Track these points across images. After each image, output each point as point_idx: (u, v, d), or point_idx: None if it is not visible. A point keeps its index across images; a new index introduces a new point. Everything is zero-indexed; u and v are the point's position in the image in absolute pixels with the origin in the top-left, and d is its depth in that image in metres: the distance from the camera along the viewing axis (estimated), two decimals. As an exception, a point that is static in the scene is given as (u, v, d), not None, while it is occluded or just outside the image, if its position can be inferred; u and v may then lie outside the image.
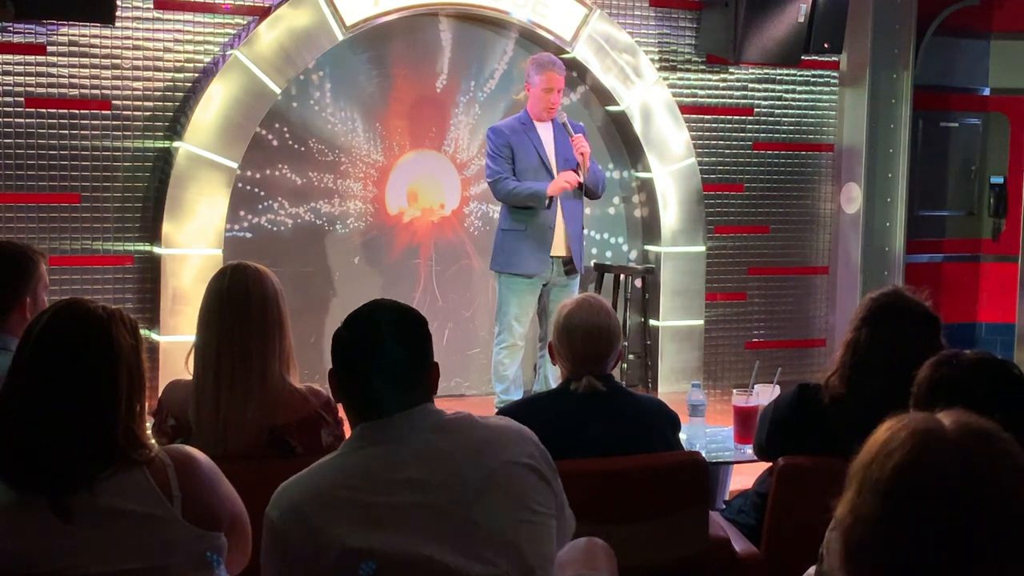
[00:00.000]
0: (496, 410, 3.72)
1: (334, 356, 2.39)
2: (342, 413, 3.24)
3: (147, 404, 2.37)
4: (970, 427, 1.47)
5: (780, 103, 8.12)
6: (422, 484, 2.23)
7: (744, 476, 4.55)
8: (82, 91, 6.52)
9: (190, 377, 3.20)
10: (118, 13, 6.38)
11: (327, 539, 2.19)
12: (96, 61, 6.53)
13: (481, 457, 2.27)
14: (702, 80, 7.91)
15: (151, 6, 6.62)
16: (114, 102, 6.59)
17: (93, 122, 6.56)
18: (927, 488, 1.42)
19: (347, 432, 3.15)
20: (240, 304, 3.14)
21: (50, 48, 6.44)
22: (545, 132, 6.30)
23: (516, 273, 6.27)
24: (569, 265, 6.32)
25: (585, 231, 6.66)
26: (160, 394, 3.32)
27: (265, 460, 3.09)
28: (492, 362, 6.49)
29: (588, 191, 6.30)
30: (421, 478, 2.23)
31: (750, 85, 8.02)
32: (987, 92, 8.73)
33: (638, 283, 7.63)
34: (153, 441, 2.40)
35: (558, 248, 6.26)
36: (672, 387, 7.36)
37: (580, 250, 6.37)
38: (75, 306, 2.33)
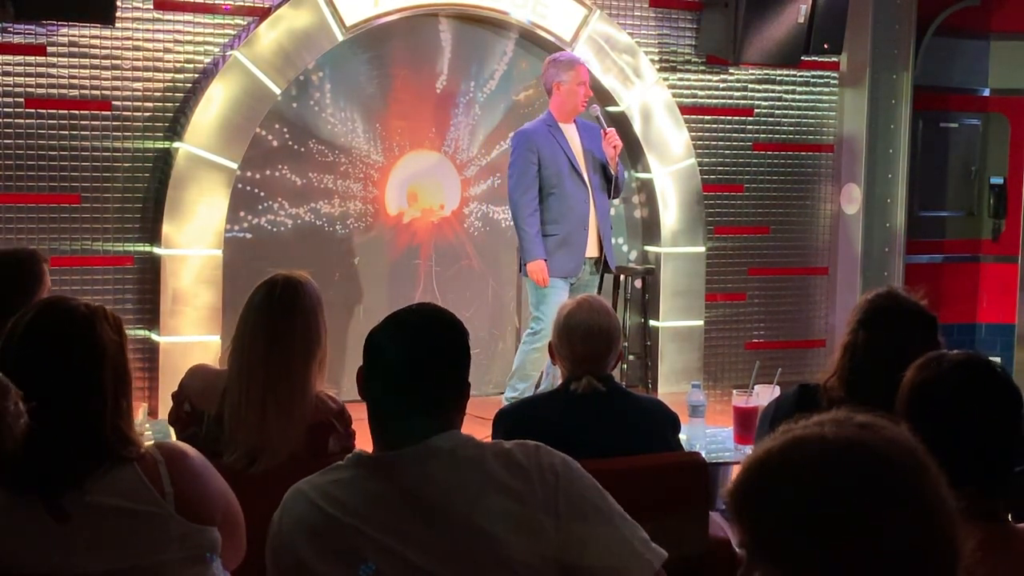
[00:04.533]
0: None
1: (363, 354, 2.30)
2: (355, 424, 3.25)
3: (142, 403, 2.37)
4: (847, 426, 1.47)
5: (780, 104, 8.12)
6: (413, 538, 2.14)
7: (744, 477, 4.54)
8: (82, 92, 6.52)
9: (215, 366, 3.19)
10: (118, 14, 6.38)
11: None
12: (96, 62, 6.53)
13: (474, 514, 2.15)
14: (702, 81, 7.91)
15: (151, 6, 6.62)
16: (114, 103, 6.59)
17: (93, 123, 6.55)
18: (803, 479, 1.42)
19: (358, 438, 3.16)
20: (286, 325, 3.12)
21: (50, 49, 6.44)
22: (570, 132, 6.29)
23: (553, 275, 6.19)
24: (598, 264, 6.35)
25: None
26: (183, 377, 3.30)
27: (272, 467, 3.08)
28: (517, 361, 6.41)
29: (615, 188, 6.34)
30: (412, 531, 2.15)
31: (750, 86, 8.02)
32: (987, 92, 8.73)
33: (638, 283, 7.62)
34: (149, 442, 2.39)
35: (592, 249, 6.29)
36: (672, 388, 7.35)
37: (611, 248, 6.40)
38: (57, 305, 2.32)
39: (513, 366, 6.46)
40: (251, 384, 3.10)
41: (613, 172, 6.23)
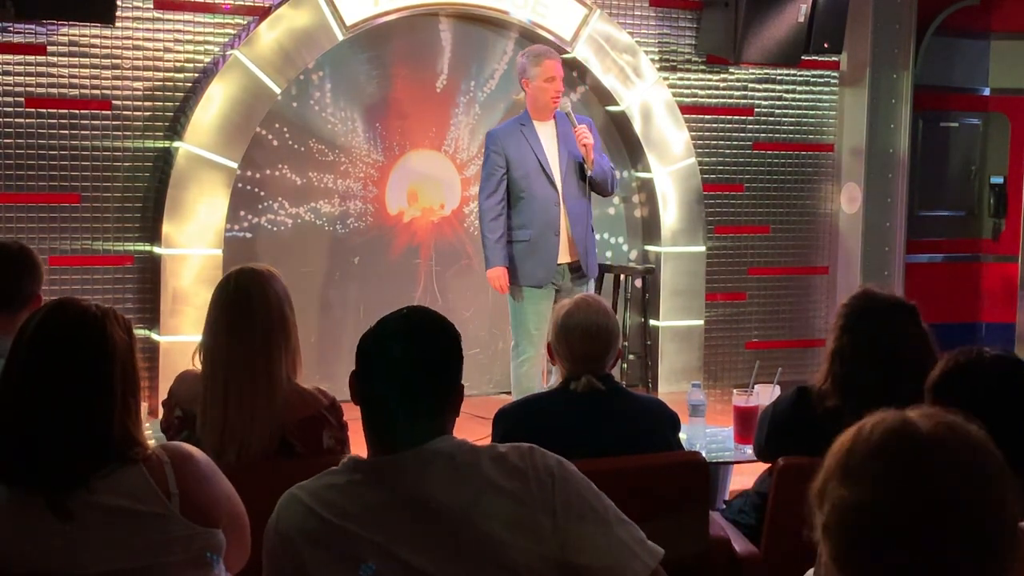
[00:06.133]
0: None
1: (356, 357, 2.30)
2: (347, 416, 3.25)
3: (143, 402, 2.36)
4: (939, 417, 1.53)
5: (780, 103, 8.12)
6: (413, 541, 2.15)
7: (744, 476, 4.55)
8: (82, 91, 6.52)
9: (196, 368, 3.20)
10: (118, 13, 6.38)
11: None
12: (96, 61, 6.54)
13: (472, 517, 2.16)
14: (702, 80, 7.91)
15: (151, 6, 6.62)
16: (114, 102, 6.59)
17: (93, 122, 6.56)
18: (906, 465, 1.48)
19: (352, 436, 3.17)
20: (242, 315, 3.12)
21: (50, 48, 6.44)
22: (545, 132, 5.96)
23: (524, 285, 5.97)
24: (578, 271, 6.00)
25: (596, 234, 6.28)
26: (171, 384, 3.32)
27: (266, 462, 3.08)
28: (512, 377, 6.13)
29: (596, 186, 5.98)
30: (411, 534, 2.15)
31: (750, 85, 8.02)
32: (987, 92, 8.74)
33: (638, 283, 7.62)
34: (152, 441, 2.39)
35: (564, 255, 5.95)
36: (672, 387, 7.36)
37: (590, 253, 6.01)
38: (68, 305, 2.33)
39: (512, 386, 6.20)
40: (214, 380, 3.11)
41: (589, 170, 5.87)
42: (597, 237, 7.54)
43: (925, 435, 1.49)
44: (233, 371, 3.10)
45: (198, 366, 3.19)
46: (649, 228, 7.77)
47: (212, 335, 3.16)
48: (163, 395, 3.35)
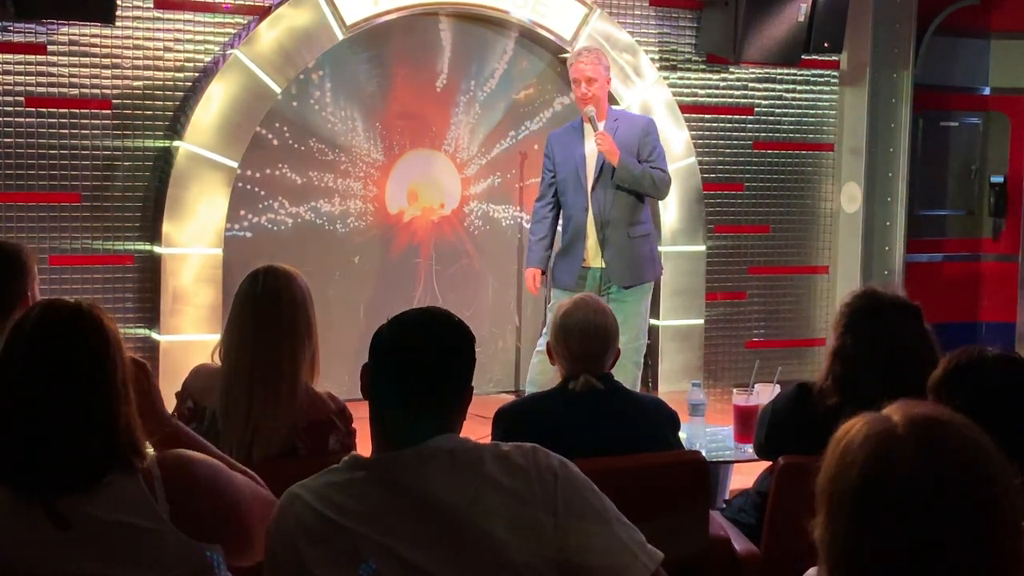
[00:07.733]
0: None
1: (369, 353, 2.31)
2: (355, 423, 3.25)
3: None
4: (919, 418, 1.52)
5: (780, 103, 8.12)
6: (413, 539, 2.15)
7: (744, 476, 4.55)
8: (82, 91, 6.52)
9: (214, 363, 3.21)
10: (118, 13, 6.38)
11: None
12: (96, 61, 6.53)
13: (473, 515, 2.16)
14: (702, 80, 7.91)
15: (151, 6, 6.62)
16: (114, 102, 6.58)
17: (93, 122, 6.55)
18: (892, 488, 1.47)
19: (357, 438, 3.17)
20: (270, 313, 3.14)
21: (50, 48, 6.44)
22: (593, 135, 5.83)
23: (554, 286, 6.01)
24: (611, 279, 5.84)
25: (640, 236, 5.96)
26: (186, 376, 3.33)
27: (272, 462, 3.08)
28: (530, 364, 6.19)
29: (644, 191, 5.85)
30: (411, 532, 2.15)
31: (750, 85, 8.02)
32: (987, 92, 8.73)
33: (638, 283, 7.61)
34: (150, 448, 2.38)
35: (594, 259, 5.88)
36: (672, 386, 7.35)
37: (619, 259, 5.83)
38: (58, 302, 2.32)
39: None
40: (238, 374, 3.12)
41: (612, 176, 5.77)
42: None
43: (900, 437, 1.48)
44: (259, 366, 3.11)
45: (217, 362, 3.20)
46: (649, 227, 7.76)
47: (239, 330, 3.17)
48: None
